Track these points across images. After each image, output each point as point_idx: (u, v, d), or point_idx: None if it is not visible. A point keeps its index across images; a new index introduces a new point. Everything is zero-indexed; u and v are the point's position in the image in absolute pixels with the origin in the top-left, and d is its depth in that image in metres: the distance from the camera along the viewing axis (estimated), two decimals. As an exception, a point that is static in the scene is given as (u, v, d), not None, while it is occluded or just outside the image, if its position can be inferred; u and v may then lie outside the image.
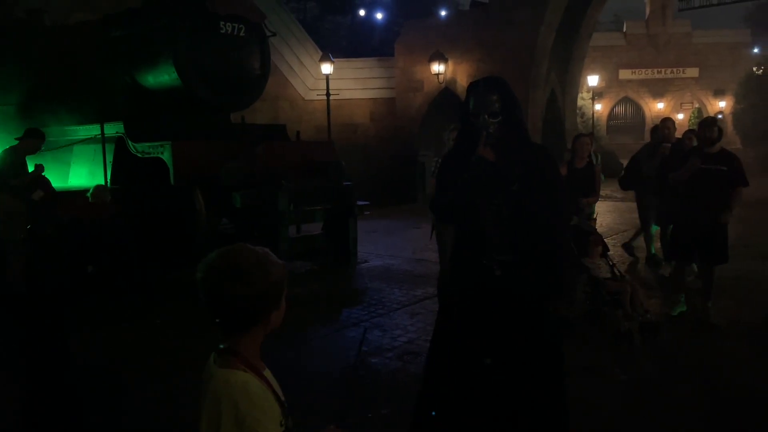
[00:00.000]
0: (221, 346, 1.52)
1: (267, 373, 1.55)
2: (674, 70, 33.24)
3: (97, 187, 6.77)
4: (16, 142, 6.78)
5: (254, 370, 1.49)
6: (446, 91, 15.92)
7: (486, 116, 2.71)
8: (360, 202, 8.41)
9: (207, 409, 1.44)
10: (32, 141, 6.80)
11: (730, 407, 3.85)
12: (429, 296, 6.64)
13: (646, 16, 33.34)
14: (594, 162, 6.37)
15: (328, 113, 15.55)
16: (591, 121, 26.47)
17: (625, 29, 33.83)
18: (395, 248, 9.60)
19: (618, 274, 5.52)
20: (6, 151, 6.74)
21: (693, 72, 33.14)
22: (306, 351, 5.00)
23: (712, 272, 5.55)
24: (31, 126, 7.11)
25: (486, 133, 2.68)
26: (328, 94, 15.49)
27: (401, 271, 8.01)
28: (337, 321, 5.95)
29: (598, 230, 5.77)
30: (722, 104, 32.37)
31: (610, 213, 12.34)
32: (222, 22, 7.62)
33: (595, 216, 6.62)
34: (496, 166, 2.72)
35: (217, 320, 1.49)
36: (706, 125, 5.48)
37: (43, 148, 7.80)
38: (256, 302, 1.47)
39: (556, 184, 2.83)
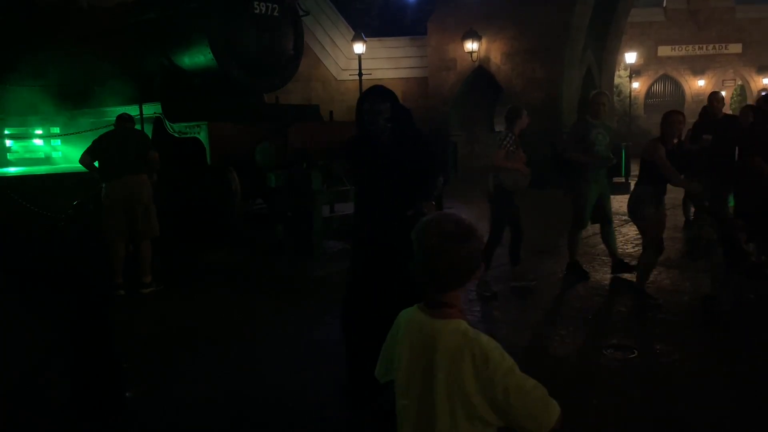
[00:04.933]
0: (433, 300, 1.63)
1: None
2: (716, 46, 32.14)
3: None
4: (55, 121, 6.91)
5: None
6: (479, 69, 15.73)
7: (382, 121, 3.40)
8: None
9: (442, 361, 1.55)
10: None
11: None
12: (462, 276, 6.65)
13: (688, -9, 32.27)
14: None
15: (361, 93, 15.52)
16: (628, 100, 25.90)
17: (664, 4, 32.81)
18: (428, 228, 9.58)
19: None
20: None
21: (736, 48, 32.00)
22: (336, 329, 5.06)
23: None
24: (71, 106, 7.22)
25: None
26: (360, 74, 15.44)
27: (434, 250, 8.01)
28: (371, 299, 5.99)
29: None
30: (766, 81, 31.29)
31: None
32: (256, 2, 7.64)
33: None
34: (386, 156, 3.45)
35: (431, 281, 1.61)
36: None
37: (83, 129, 8.00)
38: (478, 259, 1.62)
39: (429, 162, 3.61)
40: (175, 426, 3.57)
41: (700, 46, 32.28)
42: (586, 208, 6.20)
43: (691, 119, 9.41)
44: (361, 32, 15.98)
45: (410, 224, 3.40)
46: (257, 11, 7.68)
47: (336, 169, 3.66)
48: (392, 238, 3.37)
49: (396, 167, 3.44)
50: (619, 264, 6.35)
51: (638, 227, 5.70)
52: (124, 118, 6.43)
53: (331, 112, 9.09)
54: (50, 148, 9.30)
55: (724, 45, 32.14)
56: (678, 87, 33.72)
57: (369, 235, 3.51)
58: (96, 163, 6.19)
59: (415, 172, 3.48)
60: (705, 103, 7.33)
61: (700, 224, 6.52)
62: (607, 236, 6.40)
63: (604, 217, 6.31)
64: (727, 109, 7.24)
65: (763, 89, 30.82)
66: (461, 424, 1.55)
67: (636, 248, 7.44)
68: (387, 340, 1.78)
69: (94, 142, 6.25)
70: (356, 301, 3.57)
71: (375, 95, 3.51)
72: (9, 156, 9.03)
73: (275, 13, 7.87)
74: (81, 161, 6.21)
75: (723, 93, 28.80)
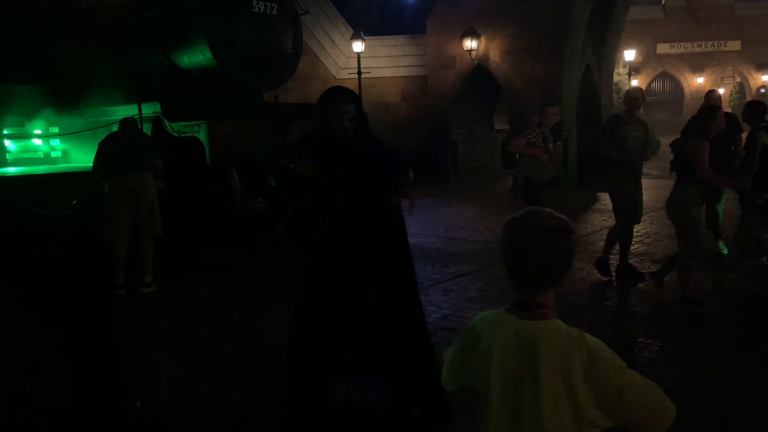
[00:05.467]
0: (526, 301, 1.56)
1: None
2: (715, 43, 32.19)
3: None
4: (54, 121, 6.88)
5: None
6: (479, 68, 15.69)
7: (346, 122, 3.39)
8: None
9: (546, 364, 1.48)
10: None
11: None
12: (462, 274, 6.66)
13: (687, -12, 32.27)
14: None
15: (360, 92, 15.49)
16: (627, 98, 25.84)
17: (663, 2, 32.82)
18: (428, 226, 9.60)
19: None
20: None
21: (735, 45, 32.05)
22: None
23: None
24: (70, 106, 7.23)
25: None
26: (359, 73, 15.43)
27: (434, 249, 8.02)
28: (371, 298, 5.99)
29: None
30: (765, 78, 31.34)
31: (646, 190, 12.10)
32: (255, 1, 7.62)
33: None
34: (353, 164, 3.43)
35: (530, 280, 1.54)
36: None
37: (83, 128, 7.99)
38: (574, 256, 1.57)
39: (393, 164, 3.68)
40: (176, 426, 3.56)
41: (699, 43, 32.33)
42: (625, 206, 6.06)
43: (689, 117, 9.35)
44: (360, 31, 15.95)
45: (389, 215, 3.49)
46: (256, 10, 7.66)
47: (301, 169, 3.51)
48: (372, 234, 3.40)
49: (370, 164, 3.45)
50: (625, 267, 6.23)
51: (678, 228, 5.34)
52: (128, 122, 6.48)
53: (330, 111, 9.07)
54: (49, 148, 9.29)
55: (723, 42, 32.18)
56: (677, 84, 33.75)
57: (347, 233, 3.43)
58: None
59: (388, 168, 3.54)
60: (704, 100, 7.32)
61: (750, 222, 6.45)
62: (623, 236, 6.26)
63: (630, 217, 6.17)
64: (726, 107, 7.17)
65: (762, 86, 30.86)
66: (568, 427, 1.47)
67: (634, 246, 7.44)
68: (459, 346, 1.68)
69: (99, 145, 6.27)
70: (322, 301, 3.47)
71: (341, 95, 3.49)
72: (8, 156, 9.02)
73: (274, 12, 7.85)
74: (94, 169, 6.26)
75: (722, 90, 28.93)
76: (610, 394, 1.44)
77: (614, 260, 6.56)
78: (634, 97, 6.11)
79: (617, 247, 6.38)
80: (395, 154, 3.71)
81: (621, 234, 6.22)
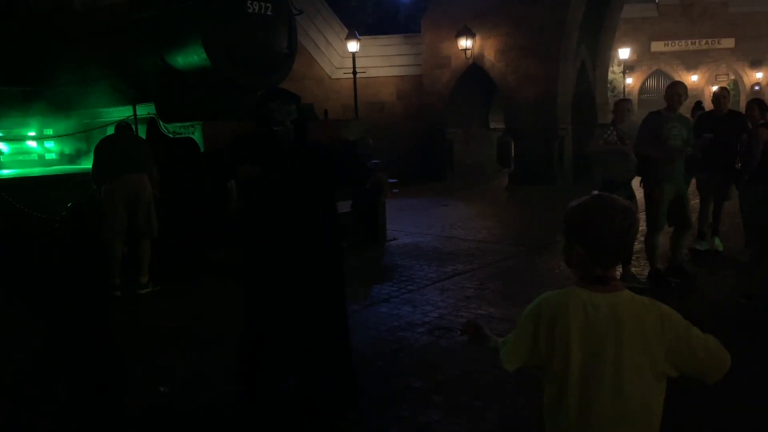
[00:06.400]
0: (599, 277, 1.73)
1: None
2: (709, 41, 32.28)
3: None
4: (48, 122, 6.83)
5: None
6: (474, 66, 15.73)
7: (288, 122, 3.43)
8: (388, 180, 8.43)
9: (629, 331, 1.67)
10: None
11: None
12: (459, 272, 6.68)
13: (680, -14, 32.35)
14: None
15: (355, 91, 15.50)
16: (622, 95, 25.95)
17: (657, 0, 32.91)
18: (424, 226, 9.63)
19: None
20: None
21: (729, 43, 32.14)
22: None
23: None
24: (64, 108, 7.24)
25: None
26: (354, 73, 15.43)
27: (431, 248, 8.05)
28: (368, 297, 6.01)
29: None
30: (759, 75, 31.46)
31: (637, 190, 12.13)
32: (249, 1, 7.62)
33: None
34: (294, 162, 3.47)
35: (611, 258, 1.73)
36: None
37: (77, 130, 7.98)
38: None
39: (344, 155, 3.97)
40: (175, 426, 3.57)
41: (693, 41, 32.42)
42: (660, 209, 5.69)
43: (684, 113, 9.38)
44: (355, 30, 15.95)
45: (334, 215, 3.58)
46: (250, 10, 7.64)
47: (243, 171, 3.45)
48: (316, 235, 3.47)
49: (315, 164, 3.49)
50: (678, 269, 5.85)
51: (755, 226, 5.08)
52: (123, 126, 6.51)
53: (325, 111, 9.07)
54: (43, 150, 9.26)
55: (716, 40, 32.28)
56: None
57: (289, 235, 3.43)
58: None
59: (333, 167, 3.59)
60: (698, 98, 7.33)
61: None
62: (679, 240, 5.94)
63: (682, 219, 5.82)
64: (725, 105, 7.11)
65: (756, 84, 30.98)
66: (649, 382, 1.69)
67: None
68: (525, 327, 1.77)
69: (95, 151, 6.28)
70: (277, 296, 3.49)
71: (283, 96, 3.50)
72: (1, 158, 8.99)
73: (268, 12, 7.84)
74: (93, 178, 6.27)
75: (715, 88, 29.00)
76: (681, 349, 1.69)
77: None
78: (676, 93, 5.67)
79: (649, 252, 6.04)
80: (341, 152, 3.76)
81: (650, 239, 5.83)
